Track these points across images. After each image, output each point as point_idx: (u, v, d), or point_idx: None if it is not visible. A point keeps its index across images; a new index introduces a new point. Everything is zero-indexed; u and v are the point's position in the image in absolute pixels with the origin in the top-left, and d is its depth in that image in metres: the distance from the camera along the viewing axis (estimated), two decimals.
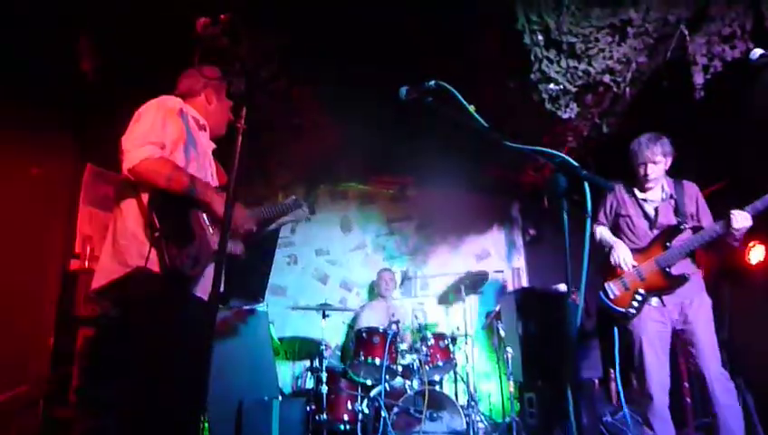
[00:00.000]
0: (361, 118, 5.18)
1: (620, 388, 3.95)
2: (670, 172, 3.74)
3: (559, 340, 5.31)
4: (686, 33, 3.85)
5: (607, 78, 3.96)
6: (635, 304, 3.50)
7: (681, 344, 3.58)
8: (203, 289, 2.50)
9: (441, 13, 3.81)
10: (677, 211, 3.63)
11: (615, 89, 4.08)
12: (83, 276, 4.34)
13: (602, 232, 3.83)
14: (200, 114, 2.76)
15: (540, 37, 3.67)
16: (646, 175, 3.64)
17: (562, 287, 5.89)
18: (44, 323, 4.22)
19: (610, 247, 3.66)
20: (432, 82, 2.46)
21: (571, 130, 4.85)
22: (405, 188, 7.30)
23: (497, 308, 5.95)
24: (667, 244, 3.55)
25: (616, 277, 3.60)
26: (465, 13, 3.77)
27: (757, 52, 2.58)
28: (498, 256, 7.36)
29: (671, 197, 3.68)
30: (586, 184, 1.89)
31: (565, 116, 4.05)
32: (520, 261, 7.40)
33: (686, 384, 4.64)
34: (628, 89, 4.25)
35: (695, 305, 3.50)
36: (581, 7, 3.62)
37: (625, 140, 4.80)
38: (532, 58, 3.75)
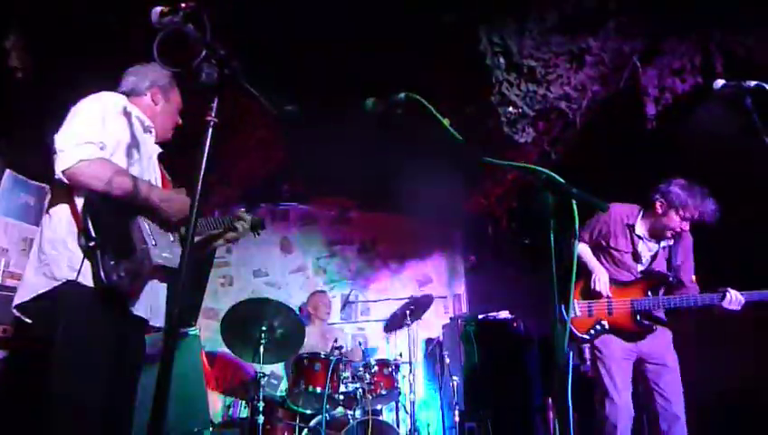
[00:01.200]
0: (306, 136, 5.01)
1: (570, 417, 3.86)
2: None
3: (504, 368, 5.25)
4: (639, 64, 3.93)
5: (563, 104, 3.98)
6: (592, 331, 3.40)
7: (643, 378, 3.45)
8: (144, 308, 2.26)
9: (401, 29, 3.71)
10: (669, 262, 3.51)
11: (569, 115, 4.11)
12: None
13: (584, 251, 3.58)
14: (145, 115, 2.51)
15: (501, 60, 3.64)
16: (682, 229, 3.42)
17: (505, 314, 5.87)
18: None
19: (591, 270, 3.50)
20: (402, 95, 2.31)
21: (522, 156, 4.86)
22: (347, 211, 7.13)
23: (440, 335, 5.84)
24: (649, 292, 3.43)
25: (582, 302, 3.48)
26: (425, 31, 3.69)
27: (720, 82, 2.59)
28: (439, 281, 7.30)
29: (669, 246, 3.54)
30: (574, 203, 1.79)
31: (521, 140, 4.04)
32: (461, 287, 7.36)
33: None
34: (579, 117, 4.28)
35: (663, 345, 3.44)
36: (543, 32, 3.62)
37: (570, 169, 4.84)
38: (493, 80, 3.71)
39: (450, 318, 6.56)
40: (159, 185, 2.52)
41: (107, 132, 2.22)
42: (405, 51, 3.84)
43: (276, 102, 1.76)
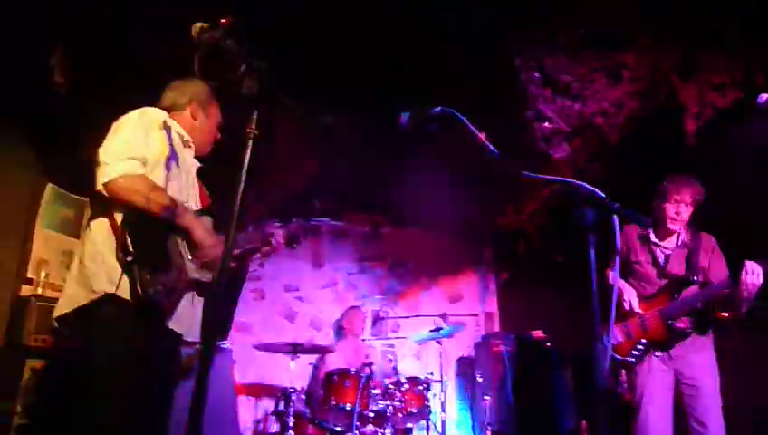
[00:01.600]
0: (339, 151, 5.04)
1: None
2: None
3: (537, 388, 5.14)
4: (677, 79, 3.85)
5: (599, 120, 3.92)
6: (635, 352, 3.33)
7: (679, 398, 3.34)
8: (180, 322, 2.27)
9: (433, 44, 3.72)
10: (689, 262, 3.44)
11: (606, 131, 4.04)
12: (35, 304, 3.98)
13: (610, 277, 3.48)
14: (185, 130, 2.55)
15: (536, 75, 3.60)
16: (677, 213, 3.43)
17: (538, 333, 5.77)
18: None
19: (620, 291, 3.47)
20: (438, 109, 2.30)
21: (555, 172, 4.79)
22: (379, 226, 7.13)
23: (472, 353, 5.76)
24: (675, 295, 3.37)
25: (617, 325, 3.42)
26: (460, 44, 3.68)
27: (764, 96, 2.53)
28: (471, 298, 7.21)
29: (685, 245, 3.50)
30: (615, 218, 1.75)
31: (557, 155, 3.98)
32: (493, 305, 7.27)
33: None
34: (616, 133, 4.21)
35: (701, 365, 3.32)
36: (578, 47, 3.58)
37: (603, 187, 4.76)
38: (528, 95, 3.68)
39: (482, 336, 6.46)
40: (198, 199, 2.56)
41: (148, 148, 2.26)
42: (438, 65, 3.84)
43: (311, 117, 1.77)
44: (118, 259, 2.10)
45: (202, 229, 2.31)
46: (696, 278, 3.38)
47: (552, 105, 3.74)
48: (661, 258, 3.53)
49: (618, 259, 1.84)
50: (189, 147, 2.57)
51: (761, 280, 3.03)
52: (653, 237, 3.56)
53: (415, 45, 3.75)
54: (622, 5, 3.62)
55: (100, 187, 2.13)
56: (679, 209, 3.43)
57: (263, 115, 1.54)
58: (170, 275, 2.17)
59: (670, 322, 3.33)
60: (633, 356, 3.33)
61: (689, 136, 3.84)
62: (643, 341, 3.35)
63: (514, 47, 3.61)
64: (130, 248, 2.07)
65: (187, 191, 2.48)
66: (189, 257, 2.30)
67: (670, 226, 3.48)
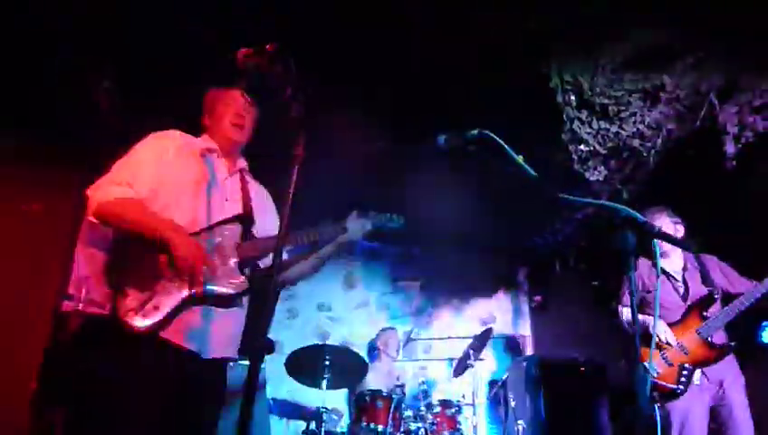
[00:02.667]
0: (374, 173, 5.09)
1: None
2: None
3: (572, 414, 5.04)
4: (716, 102, 3.81)
5: (636, 142, 3.89)
6: (683, 379, 3.31)
7: (713, 423, 3.38)
8: (193, 340, 2.19)
9: (470, 63, 3.75)
10: (705, 280, 3.53)
11: (643, 154, 4.00)
12: (75, 319, 4.09)
13: (628, 313, 3.63)
14: (211, 140, 2.53)
15: (572, 97, 3.61)
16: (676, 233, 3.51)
17: (573, 357, 5.67)
18: (27, 366, 3.94)
19: (643, 325, 3.48)
20: (475, 131, 2.33)
21: (592, 194, 4.75)
22: (412, 247, 7.13)
23: (505, 377, 5.68)
24: (704, 313, 3.41)
25: (654, 355, 3.40)
26: (494, 65, 3.71)
27: None
28: (503, 321, 7.14)
29: (694, 268, 3.59)
30: (655, 242, 1.74)
31: (593, 178, 3.96)
32: (526, 327, 7.18)
33: None
34: (653, 156, 4.16)
35: (731, 381, 3.37)
36: (615, 70, 3.57)
37: (641, 209, 4.70)
38: (564, 118, 3.67)
39: (515, 360, 6.38)
40: (237, 203, 2.46)
41: (146, 173, 2.27)
42: (474, 84, 3.86)
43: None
44: (109, 283, 2.13)
45: (183, 245, 2.11)
46: (717, 294, 3.46)
47: (589, 127, 3.73)
48: (679, 284, 3.57)
49: (659, 283, 1.81)
50: (215, 154, 2.50)
51: None
52: (666, 267, 3.60)
53: (451, 68, 3.78)
54: (661, 27, 3.62)
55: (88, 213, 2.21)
56: (677, 229, 3.57)
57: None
58: (162, 294, 2.13)
59: (710, 339, 3.36)
60: (682, 383, 3.30)
61: (728, 159, 3.79)
62: (687, 365, 3.33)
63: (551, 68, 3.62)
64: (120, 270, 2.13)
65: (217, 203, 2.39)
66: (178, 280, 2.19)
67: (668, 250, 3.58)
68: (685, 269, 3.60)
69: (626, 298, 3.68)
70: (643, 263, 3.65)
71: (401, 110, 4.21)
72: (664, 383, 3.35)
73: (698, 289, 3.52)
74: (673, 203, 4.56)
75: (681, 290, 3.55)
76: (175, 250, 2.08)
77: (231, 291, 2.25)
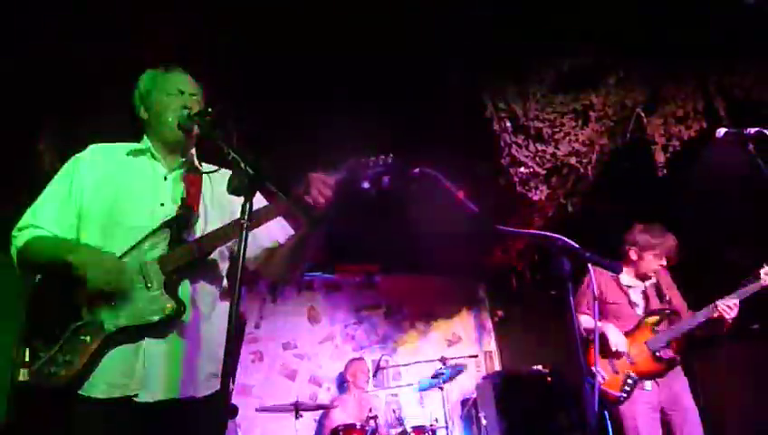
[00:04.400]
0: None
1: None
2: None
3: (543, 424, 5.15)
4: (643, 114, 4.04)
5: (573, 160, 4.08)
6: (626, 387, 3.45)
7: (665, 428, 3.51)
8: (103, 384, 1.83)
9: (409, 97, 3.87)
10: (660, 296, 3.69)
11: (580, 170, 4.20)
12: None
13: (586, 321, 3.73)
14: (154, 139, 2.13)
15: (508, 124, 3.77)
16: (662, 266, 3.69)
17: (538, 368, 5.80)
18: None
19: (601, 333, 3.62)
20: (416, 170, 2.43)
21: (538, 211, 4.94)
22: (372, 275, 7.20)
23: (474, 395, 5.77)
24: (655, 328, 3.56)
25: (602, 361, 3.55)
26: (434, 99, 3.85)
27: (722, 130, 2.68)
28: (469, 339, 7.26)
29: (653, 283, 3.74)
30: (590, 266, 1.86)
31: (535, 198, 4.12)
32: (491, 344, 7.31)
33: None
34: (591, 170, 4.37)
35: (681, 387, 3.52)
36: (546, 94, 3.76)
37: (587, 219, 4.91)
38: (502, 144, 3.84)
39: (483, 377, 6.49)
40: (174, 204, 2.05)
41: (52, 208, 2.00)
42: (412, 113, 3.97)
43: (304, 206, 1.74)
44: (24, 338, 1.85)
45: (93, 266, 1.82)
46: (668, 311, 3.63)
47: (526, 150, 3.90)
48: (635, 297, 3.72)
49: (596, 304, 1.94)
50: (150, 155, 2.12)
51: (736, 307, 3.32)
52: (625, 280, 3.75)
53: (390, 98, 3.88)
54: (585, 51, 3.83)
55: None
56: (663, 262, 3.69)
57: None
58: (67, 342, 1.82)
59: (657, 353, 3.50)
60: (625, 391, 3.44)
61: (659, 167, 4.01)
62: (632, 374, 3.48)
63: (487, 97, 3.78)
64: (27, 325, 1.86)
65: (148, 208, 2.02)
66: (110, 305, 1.87)
67: (650, 274, 3.73)
68: (647, 284, 3.76)
69: (583, 307, 3.75)
70: (600, 273, 3.71)
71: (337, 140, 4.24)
72: (608, 390, 3.50)
73: (655, 303, 3.69)
74: (614, 211, 4.79)
75: (640, 303, 3.72)
76: (84, 275, 1.79)
77: (153, 318, 1.85)
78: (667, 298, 3.67)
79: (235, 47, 3.57)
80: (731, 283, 3.51)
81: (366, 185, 2.06)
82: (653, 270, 3.68)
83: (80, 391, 1.81)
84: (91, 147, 2.11)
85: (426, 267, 6.92)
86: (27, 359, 1.80)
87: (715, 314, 3.35)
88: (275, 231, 2.16)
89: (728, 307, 3.31)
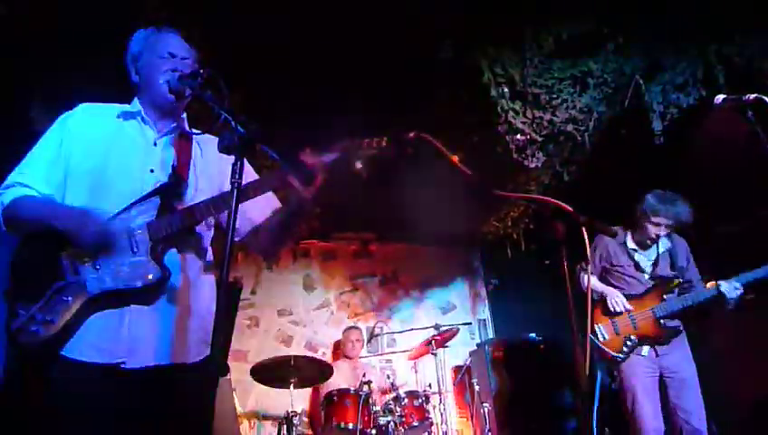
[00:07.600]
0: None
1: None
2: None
3: (535, 391, 5.22)
4: (641, 82, 4.00)
5: (570, 127, 4.05)
6: (625, 349, 3.51)
7: (664, 395, 3.56)
8: (91, 348, 1.81)
9: (407, 65, 3.82)
10: (674, 265, 3.70)
11: (578, 138, 4.17)
12: None
13: (592, 280, 3.79)
14: (145, 102, 2.10)
15: (505, 90, 3.73)
16: (657, 235, 3.67)
17: (532, 336, 5.86)
18: None
19: (602, 294, 3.65)
20: (411, 134, 2.40)
21: (534, 178, 4.92)
22: (367, 244, 7.22)
23: (468, 362, 5.83)
24: (664, 296, 3.59)
25: (606, 321, 3.59)
26: (431, 66, 3.80)
27: (720, 97, 2.65)
28: (463, 308, 7.31)
29: (667, 250, 3.75)
30: (584, 230, 1.85)
31: (532, 165, 4.11)
32: (485, 312, 7.36)
33: None
34: (588, 138, 4.34)
35: (681, 353, 3.56)
36: (544, 60, 3.72)
37: (584, 187, 4.89)
38: (499, 110, 3.80)
39: (477, 344, 6.55)
40: (164, 171, 2.03)
41: (41, 166, 1.97)
42: (409, 84, 3.93)
43: (296, 167, 1.70)
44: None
45: (82, 228, 1.80)
46: (680, 280, 3.64)
47: (523, 117, 3.87)
48: (643, 262, 3.74)
49: (590, 266, 1.94)
50: (140, 119, 2.09)
51: (741, 291, 3.40)
52: (631, 244, 3.77)
53: (386, 68, 3.84)
54: (584, 17, 3.77)
55: None
56: (659, 232, 3.67)
57: None
58: (46, 304, 1.79)
59: (663, 321, 3.52)
60: (623, 352, 3.49)
61: (656, 136, 3.99)
62: (632, 337, 3.51)
63: (485, 63, 3.73)
64: (9, 281, 1.83)
65: (139, 171, 2.01)
66: (93, 268, 1.84)
67: (648, 241, 3.74)
68: (661, 251, 3.76)
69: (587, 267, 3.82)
70: (607, 238, 3.82)
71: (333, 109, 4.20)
72: (606, 349, 3.53)
73: (665, 271, 3.72)
74: (610, 179, 4.78)
75: (648, 269, 3.74)
76: (73, 239, 1.78)
77: (137, 284, 1.82)
78: (680, 266, 3.68)
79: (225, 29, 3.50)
80: (725, 253, 3.54)
81: (359, 165, 2.06)
82: (649, 238, 3.69)
83: (62, 352, 1.79)
84: (81, 105, 2.08)
85: (421, 236, 6.93)
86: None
87: (720, 290, 3.42)
88: (265, 208, 2.13)
89: (731, 287, 3.38)
